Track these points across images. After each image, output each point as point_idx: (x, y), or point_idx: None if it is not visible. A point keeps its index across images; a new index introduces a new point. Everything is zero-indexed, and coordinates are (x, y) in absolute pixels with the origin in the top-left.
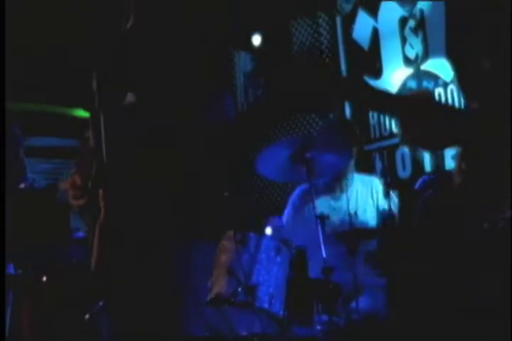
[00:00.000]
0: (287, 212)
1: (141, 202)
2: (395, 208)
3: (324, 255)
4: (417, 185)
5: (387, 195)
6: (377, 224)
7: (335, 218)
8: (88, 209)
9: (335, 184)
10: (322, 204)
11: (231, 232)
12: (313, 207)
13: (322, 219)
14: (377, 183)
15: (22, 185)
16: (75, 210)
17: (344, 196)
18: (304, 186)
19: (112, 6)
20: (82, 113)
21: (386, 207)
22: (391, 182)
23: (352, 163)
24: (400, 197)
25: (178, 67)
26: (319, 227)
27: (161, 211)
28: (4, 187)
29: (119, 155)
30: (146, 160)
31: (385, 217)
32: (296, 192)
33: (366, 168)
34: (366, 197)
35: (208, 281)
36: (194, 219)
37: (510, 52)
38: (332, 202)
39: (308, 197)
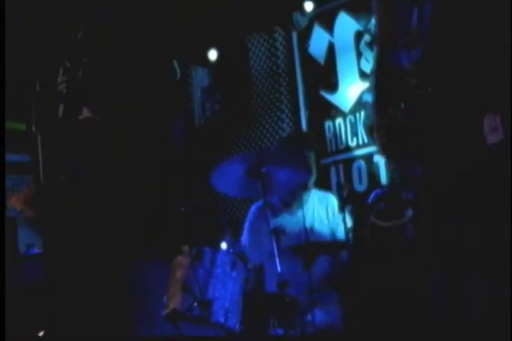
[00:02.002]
0: (245, 231)
1: (94, 221)
2: (348, 224)
3: (279, 269)
4: (369, 199)
5: (342, 210)
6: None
7: (291, 232)
8: (40, 223)
9: (291, 199)
10: (278, 219)
11: (186, 247)
12: (268, 222)
13: (277, 233)
14: (333, 200)
15: None
16: (27, 220)
17: (300, 211)
18: (259, 203)
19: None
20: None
21: (340, 224)
22: (347, 197)
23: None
24: (355, 211)
25: (133, 83)
26: (274, 242)
27: (113, 230)
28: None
29: (72, 172)
30: (100, 178)
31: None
32: (252, 210)
33: (322, 182)
34: (322, 214)
35: (164, 297)
36: (148, 237)
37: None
38: (288, 217)
39: (263, 214)
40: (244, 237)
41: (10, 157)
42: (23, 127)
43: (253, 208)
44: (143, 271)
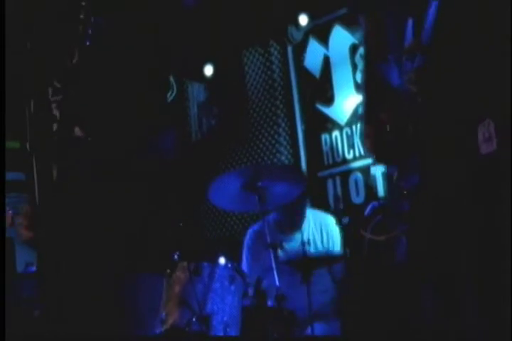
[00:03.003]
0: (245, 257)
1: (87, 235)
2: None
3: (277, 283)
4: (366, 212)
5: (339, 223)
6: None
7: (288, 251)
8: (37, 241)
9: (286, 221)
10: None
11: (185, 263)
12: (265, 238)
13: (274, 247)
14: (329, 221)
15: None
16: (26, 241)
17: (297, 237)
18: (255, 227)
19: (57, 42)
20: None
21: (332, 246)
22: (344, 209)
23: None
24: (352, 224)
25: (123, 101)
26: (272, 256)
27: (106, 244)
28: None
29: (66, 188)
30: (94, 192)
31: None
32: (248, 235)
33: (319, 195)
34: (317, 237)
35: (162, 313)
36: (140, 251)
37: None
38: (285, 244)
39: (260, 238)
40: (246, 260)
41: (8, 175)
42: (17, 145)
43: (249, 233)
44: (134, 283)
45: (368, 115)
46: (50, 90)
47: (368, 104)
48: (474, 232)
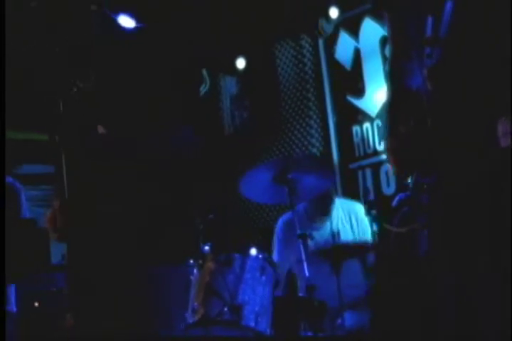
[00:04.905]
0: (276, 248)
1: (112, 229)
2: (373, 230)
3: (307, 273)
4: (393, 203)
5: (368, 214)
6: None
7: (318, 241)
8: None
9: (315, 211)
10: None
11: (216, 254)
12: (295, 229)
13: (304, 238)
14: (358, 208)
15: None
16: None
17: (327, 225)
18: (284, 217)
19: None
20: None
21: (366, 232)
22: (375, 200)
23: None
24: (381, 214)
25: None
26: (301, 246)
27: (131, 238)
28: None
29: (90, 184)
30: (121, 186)
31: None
32: (278, 226)
33: (350, 186)
34: (346, 224)
35: (194, 303)
36: (166, 244)
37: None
38: (315, 228)
39: (291, 228)
40: (277, 250)
41: (39, 168)
42: (46, 138)
43: (280, 223)
44: (159, 274)
45: (390, 126)
46: (74, 89)
47: (391, 112)
48: (488, 227)
